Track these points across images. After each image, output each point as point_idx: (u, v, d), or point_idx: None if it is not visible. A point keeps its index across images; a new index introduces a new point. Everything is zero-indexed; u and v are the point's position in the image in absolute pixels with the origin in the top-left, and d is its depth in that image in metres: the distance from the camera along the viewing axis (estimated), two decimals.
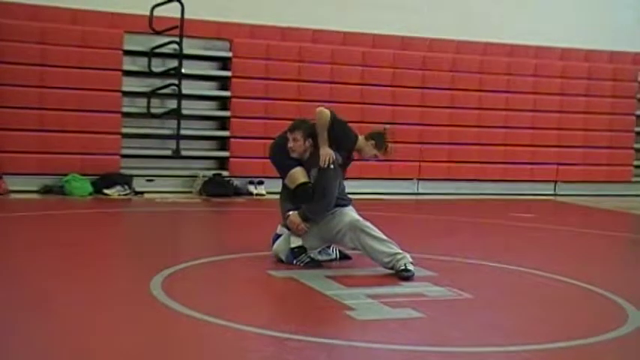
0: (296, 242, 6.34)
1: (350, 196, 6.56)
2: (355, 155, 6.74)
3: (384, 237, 6.17)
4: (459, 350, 4.35)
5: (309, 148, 6.37)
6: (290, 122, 6.54)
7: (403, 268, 6.00)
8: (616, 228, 10.39)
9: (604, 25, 14.01)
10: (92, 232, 8.12)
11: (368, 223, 6.23)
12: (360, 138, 6.60)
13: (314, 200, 6.26)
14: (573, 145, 13.78)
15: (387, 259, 6.09)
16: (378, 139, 6.58)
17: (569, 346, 4.49)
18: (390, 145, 6.63)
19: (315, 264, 6.35)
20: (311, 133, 6.35)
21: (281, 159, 6.47)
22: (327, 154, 6.29)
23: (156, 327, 4.61)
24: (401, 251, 6.11)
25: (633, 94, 14.28)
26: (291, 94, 12.04)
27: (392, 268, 6.07)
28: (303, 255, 6.33)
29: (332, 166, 6.27)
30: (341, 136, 6.42)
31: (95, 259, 6.50)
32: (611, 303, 5.55)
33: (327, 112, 6.34)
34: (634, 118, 14.31)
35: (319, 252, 6.47)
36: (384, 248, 6.11)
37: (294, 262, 6.31)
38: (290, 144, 6.33)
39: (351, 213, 6.34)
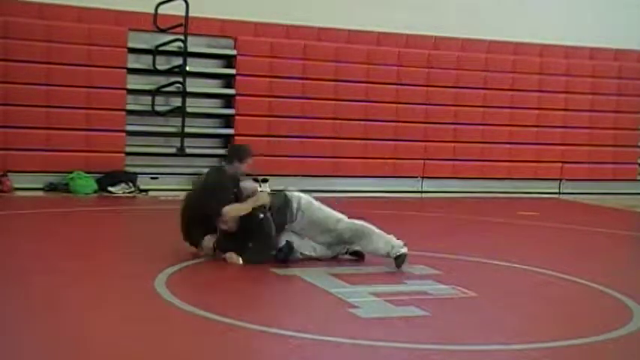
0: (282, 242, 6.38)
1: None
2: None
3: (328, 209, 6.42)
4: (463, 348, 4.35)
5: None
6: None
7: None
8: (621, 226, 10.37)
9: (609, 23, 13.96)
10: (96, 229, 8.13)
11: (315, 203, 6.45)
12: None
13: (260, 246, 6.27)
14: (578, 143, 13.75)
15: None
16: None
17: (573, 344, 4.49)
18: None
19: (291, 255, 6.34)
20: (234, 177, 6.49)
21: (227, 189, 6.45)
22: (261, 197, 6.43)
23: (160, 325, 4.61)
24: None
25: (638, 92, 14.21)
26: (295, 92, 12.02)
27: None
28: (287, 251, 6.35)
29: (262, 215, 6.31)
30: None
31: (99, 257, 6.51)
32: (616, 301, 5.54)
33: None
34: (639, 116, 14.27)
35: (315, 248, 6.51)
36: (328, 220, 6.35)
37: (280, 256, 6.31)
38: (224, 227, 6.31)
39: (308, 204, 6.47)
